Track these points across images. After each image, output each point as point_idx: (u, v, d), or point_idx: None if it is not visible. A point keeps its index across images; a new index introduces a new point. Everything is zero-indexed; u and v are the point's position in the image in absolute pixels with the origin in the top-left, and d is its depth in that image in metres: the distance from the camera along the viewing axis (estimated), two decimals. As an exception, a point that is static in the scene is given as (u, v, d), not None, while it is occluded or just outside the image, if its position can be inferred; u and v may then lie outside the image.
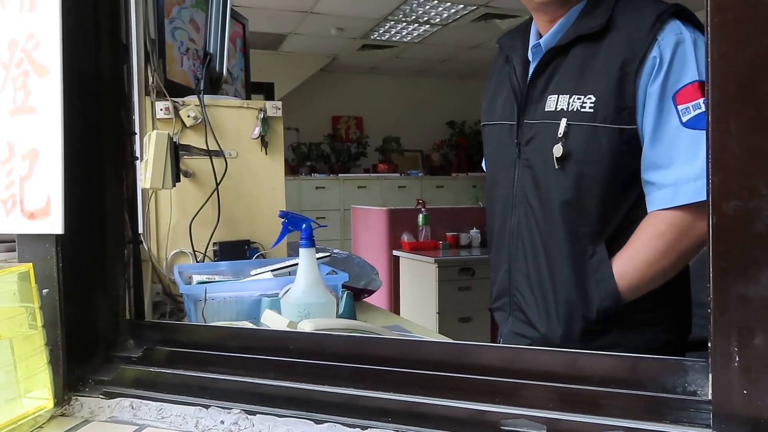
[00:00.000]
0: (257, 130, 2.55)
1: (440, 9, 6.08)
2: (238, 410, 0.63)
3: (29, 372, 0.69)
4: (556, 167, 1.09)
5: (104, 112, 0.78)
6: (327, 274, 1.70)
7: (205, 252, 2.08)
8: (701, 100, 0.99)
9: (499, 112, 1.26)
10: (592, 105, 1.06)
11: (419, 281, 4.46)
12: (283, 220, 1.57)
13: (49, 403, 0.70)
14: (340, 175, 7.47)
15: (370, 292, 2.18)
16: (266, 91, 6.52)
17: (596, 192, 1.07)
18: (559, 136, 1.08)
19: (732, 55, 0.47)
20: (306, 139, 7.74)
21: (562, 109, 1.09)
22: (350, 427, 0.58)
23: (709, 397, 0.51)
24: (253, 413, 0.63)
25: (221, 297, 1.61)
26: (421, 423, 0.57)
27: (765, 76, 0.46)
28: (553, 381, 0.58)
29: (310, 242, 1.52)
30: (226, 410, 0.64)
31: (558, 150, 1.08)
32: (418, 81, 8.38)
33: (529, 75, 1.18)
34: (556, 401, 0.56)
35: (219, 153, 2.07)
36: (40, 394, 0.70)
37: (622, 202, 1.09)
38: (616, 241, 1.09)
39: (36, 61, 0.71)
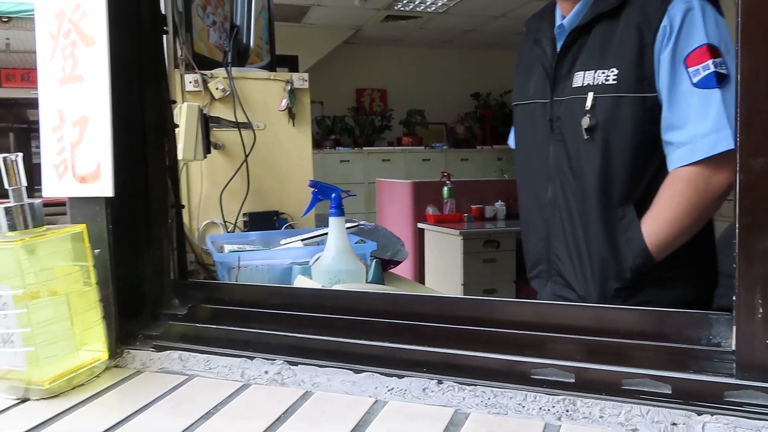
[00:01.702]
0: (284, 102, 2.57)
1: (465, -22, 5.97)
2: (282, 361, 0.67)
3: (85, 326, 0.73)
4: (585, 137, 1.16)
5: (146, 80, 0.81)
6: (356, 243, 1.74)
7: (236, 222, 2.13)
8: (710, 62, 1.05)
9: (532, 92, 1.33)
10: (616, 77, 1.13)
11: (444, 253, 4.49)
12: (313, 189, 1.60)
13: (104, 355, 0.75)
14: (364, 148, 7.47)
15: (397, 263, 2.21)
16: (290, 63, 6.52)
17: (623, 158, 1.14)
18: (587, 108, 1.15)
19: (761, 15, 0.48)
20: (330, 112, 7.73)
21: (588, 84, 1.16)
22: (387, 376, 0.62)
23: (733, 347, 0.53)
24: (296, 364, 0.66)
25: (253, 265, 1.66)
26: (454, 372, 0.60)
27: (796, 34, 0.47)
28: (581, 334, 0.60)
29: (340, 211, 1.55)
30: (269, 361, 0.68)
31: (586, 121, 1.15)
32: (442, 52, 8.28)
33: (557, 55, 1.25)
34: (584, 353, 0.59)
35: (248, 125, 2.10)
36: (95, 347, 0.74)
37: (647, 166, 1.15)
38: (644, 203, 1.16)
39: (83, 31, 0.75)
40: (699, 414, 0.50)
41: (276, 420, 0.58)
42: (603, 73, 1.14)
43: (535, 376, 0.58)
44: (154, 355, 0.75)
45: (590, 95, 1.14)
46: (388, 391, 0.60)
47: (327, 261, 1.51)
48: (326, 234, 1.81)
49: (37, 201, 0.72)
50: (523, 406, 0.55)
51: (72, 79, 0.75)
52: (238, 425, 0.58)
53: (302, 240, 1.95)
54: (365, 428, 0.55)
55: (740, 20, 0.49)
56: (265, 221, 2.43)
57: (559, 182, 1.24)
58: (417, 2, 6.78)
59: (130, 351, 0.76)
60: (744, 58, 0.50)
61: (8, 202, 0.70)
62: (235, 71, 2.08)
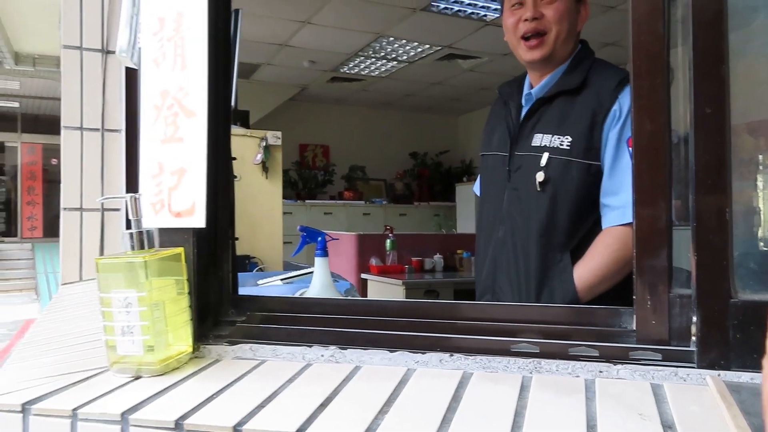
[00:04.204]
0: (259, 157, 2.85)
1: (408, 48, 6.51)
2: (335, 347, 0.94)
3: (176, 326, 0.97)
4: (538, 190, 1.41)
5: (222, 141, 1.08)
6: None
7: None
8: None
9: (495, 145, 1.59)
10: (569, 144, 1.39)
11: (387, 301, 4.75)
12: (302, 233, 1.87)
13: (189, 349, 0.98)
14: (306, 201, 7.75)
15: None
16: (241, 118, 6.74)
17: (567, 211, 1.39)
18: (542, 165, 1.40)
19: (646, 127, 0.83)
20: (275, 165, 7.96)
21: (545, 145, 1.42)
22: (414, 353, 0.90)
23: (634, 328, 0.85)
24: (345, 348, 0.93)
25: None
26: (460, 350, 0.89)
27: (661, 139, 0.82)
28: (542, 324, 0.91)
29: (325, 252, 1.84)
30: (324, 348, 0.94)
31: (540, 176, 1.40)
32: (383, 113, 8.81)
33: (521, 117, 1.52)
34: (544, 334, 0.90)
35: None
36: (182, 342, 0.98)
37: (584, 221, 1.41)
38: (577, 252, 1.41)
39: (185, 106, 1.01)
40: (615, 365, 0.82)
41: (342, 381, 0.84)
42: (558, 138, 1.39)
43: (513, 350, 0.88)
44: (228, 347, 0.99)
45: (546, 155, 1.39)
46: (416, 362, 0.88)
47: (314, 294, 1.77)
48: (300, 275, 2.09)
49: (151, 228, 0.96)
50: (507, 367, 0.85)
51: (173, 140, 1.02)
52: (316, 386, 0.84)
53: (282, 279, 2.20)
54: (407, 382, 0.82)
55: (634, 126, 0.84)
56: (238, 265, 2.64)
57: (509, 225, 1.47)
58: (362, 67, 7.26)
59: (208, 346, 1.00)
60: (636, 150, 0.85)
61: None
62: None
